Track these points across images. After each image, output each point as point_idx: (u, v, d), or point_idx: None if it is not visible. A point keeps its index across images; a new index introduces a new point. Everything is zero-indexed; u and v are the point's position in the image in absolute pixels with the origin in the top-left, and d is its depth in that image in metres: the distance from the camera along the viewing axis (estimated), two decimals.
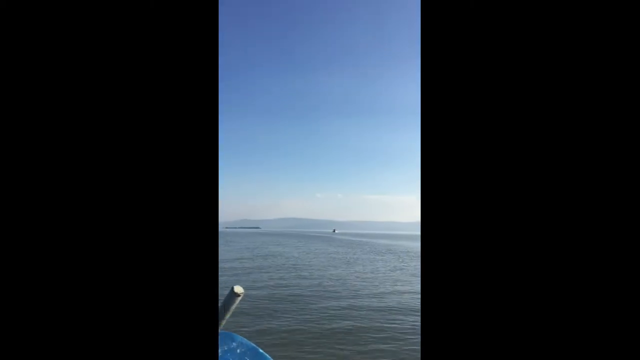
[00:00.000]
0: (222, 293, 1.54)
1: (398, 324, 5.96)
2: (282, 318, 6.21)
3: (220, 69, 1.02)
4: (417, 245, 34.19)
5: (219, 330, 1.75)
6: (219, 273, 5.03)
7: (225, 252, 20.01)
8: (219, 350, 1.73)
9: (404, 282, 10.40)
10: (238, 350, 1.81)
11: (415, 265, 15.42)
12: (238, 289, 1.62)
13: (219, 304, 1.61)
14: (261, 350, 1.84)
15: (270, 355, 1.82)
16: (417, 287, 9.66)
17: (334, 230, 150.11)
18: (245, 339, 1.89)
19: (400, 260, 17.63)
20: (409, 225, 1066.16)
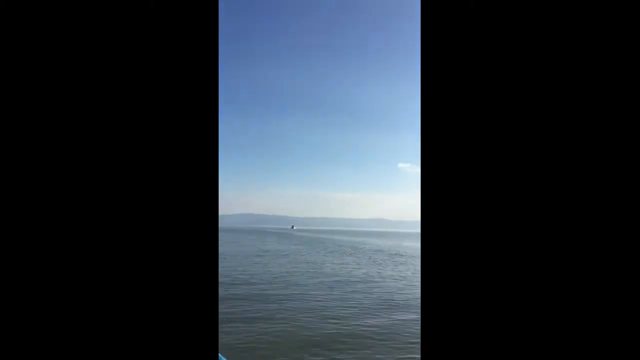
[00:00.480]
0: None
1: None
2: None
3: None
4: (382, 242, 32.79)
5: None
6: None
7: None
8: None
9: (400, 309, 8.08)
10: None
11: (404, 268, 13.27)
12: None
13: None
14: None
15: None
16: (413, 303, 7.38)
17: (292, 227, 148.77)
18: (224, 358, 1.83)
19: (371, 259, 15.47)
20: (367, 222, 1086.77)
